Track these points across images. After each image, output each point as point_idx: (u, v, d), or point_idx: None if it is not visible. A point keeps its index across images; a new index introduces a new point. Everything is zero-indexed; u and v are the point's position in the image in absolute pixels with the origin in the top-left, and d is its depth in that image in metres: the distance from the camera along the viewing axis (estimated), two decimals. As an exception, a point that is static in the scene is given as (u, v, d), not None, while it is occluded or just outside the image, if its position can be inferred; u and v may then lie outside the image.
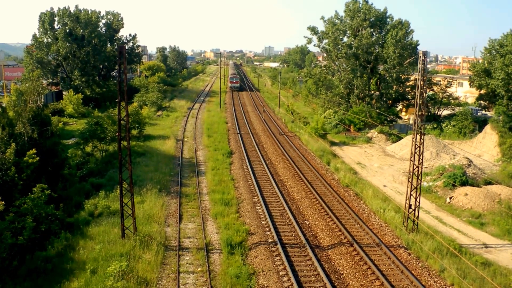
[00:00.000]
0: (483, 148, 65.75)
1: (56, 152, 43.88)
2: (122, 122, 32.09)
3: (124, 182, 33.78)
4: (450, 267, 30.13)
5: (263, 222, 38.15)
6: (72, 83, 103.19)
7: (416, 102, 35.60)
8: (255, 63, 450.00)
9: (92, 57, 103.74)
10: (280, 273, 29.65)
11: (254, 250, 33.03)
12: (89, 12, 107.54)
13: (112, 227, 34.36)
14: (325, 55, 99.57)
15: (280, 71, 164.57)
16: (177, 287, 27.44)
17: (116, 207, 37.26)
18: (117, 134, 32.20)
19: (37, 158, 37.19)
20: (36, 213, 31.71)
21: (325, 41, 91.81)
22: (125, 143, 32.67)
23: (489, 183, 49.59)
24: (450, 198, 46.19)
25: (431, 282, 29.65)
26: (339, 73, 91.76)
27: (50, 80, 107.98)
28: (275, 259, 31.56)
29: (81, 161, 53.54)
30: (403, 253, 33.65)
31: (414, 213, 36.92)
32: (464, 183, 48.41)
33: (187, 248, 33.04)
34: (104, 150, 59.22)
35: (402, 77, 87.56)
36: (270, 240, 34.42)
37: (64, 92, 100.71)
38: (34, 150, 37.53)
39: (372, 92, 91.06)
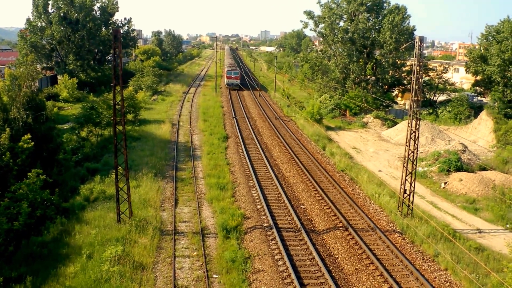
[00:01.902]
0: (478, 134, 65.89)
1: (51, 137, 43.71)
2: (117, 106, 32.00)
3: (120, 167, 33.75)
4: (444, 252, 30.30)
5: (258, 207, 38.25)
6: (67, 67, 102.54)
7: (412, 87, 35.59)
8: (251, 47, 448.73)
9: (86, 41, 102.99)
10: (276, 257, 29.79)
11: (249, 234, 33.16)
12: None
13: (108, 212, 34.39)
14: (321, 39, 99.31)
15: (276, 55, 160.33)
16: (173, 271, 27.54)
17: (111, 191, 37.26)
18: (112, 118, 32.15)
19: (32, 143, 37.06)
20: (31, 198, 31.67)
21: (322, 25, 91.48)
22: (120, 127, 32.60)
23: (483, 169, 49.74)
24: (445, 183, 46.35)
25: (425, 266, 29.85)
26: (335, 58, 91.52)
27: (45, 65, 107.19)
28: (271, 243, 31.69)
29: (76, 146, 53.38)
30: (397, 237, 33.84)
31: (409, 198, 37.07)
32: (459, 169, 48.57)
33: (183, 233, 33.12)
34: (99, 135, 59.10)
35: (398, 62, 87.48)
36: (265, 224, 34.55)
37: (58, 77, 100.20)
38: (29, 135, 37.39)
39: (368, 77, 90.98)
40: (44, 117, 44.01)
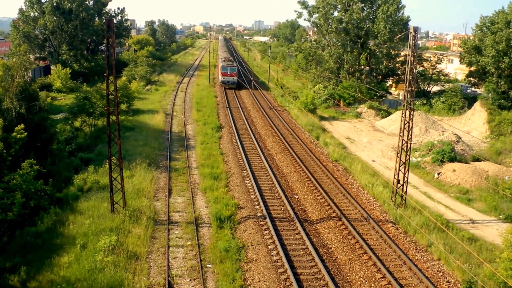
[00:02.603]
0: (472, 125, 66.07)
1: (44, 127, 43.55)
2: (110, 96, 31.90)
3: (113, 157, 33.71)
4: (437, 242, 30.47)
5: (252, 196, 38.31)
6: (60, 57, 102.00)
7: (406, 78, 35.62)
8: (245, 37, 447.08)
9: (80, 31, 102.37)
10: (269, 246, 29.89)
11: (243, 224, 33.23)
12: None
13: (102, 202, 34.36)
14: (315, 29, 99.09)
15: (270, 45, 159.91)
16: (167, 261, 27.60)
17: (105, 181, 37.22)
18: (105, 108, 32.04)
19: (25, 133, 36.92)
20: (25, 188, 31.59)
21: (316, 15, 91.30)
22: (114, 117, 32.52)
23: (477, 159, 49.92)
24: (438, 174, 46.52)
25: (418, 256, 30.00)
26: (329, 48, 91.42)
27: (38, 55, 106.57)
28: (264, 233, 31.78)
29: (70, 136, 53.20)
30: (391, 227, 33.98)
31: (402, 188, 37.20)
32: (452, 159, 48.72)
33: (177, 222, 33.17)
34: (93, 125, 58.95)
35: (393, 53, 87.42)
36: (259, 214, 34.62)
37: (52, 67, 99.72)
38: (22, 126, 37.23)
39: (362, 67, 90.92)
40: (38, 107, 43.82)
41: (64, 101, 75.36)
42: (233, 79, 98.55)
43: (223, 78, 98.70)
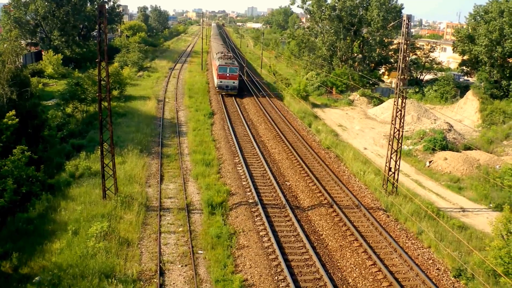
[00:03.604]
0: (464, 113, 66.27)
1: (36, 113, 43.32)
2: (102, 82, 31.74)
3: (105, 143, 33.64)
4: (428, 229, 30.67)
5: (244, 183, 38.37)
6: (52, 43, 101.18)
7: (399, 66, 35.64)
8: (237, 23, 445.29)
9: (71, 16, 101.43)
10: (261, 233, 29.99)
11: (235, 210, 33.30)
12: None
13: (93, 188, 34.33)
14: (308, 16, 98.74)
15: (262, 32, 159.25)
16: (158, 247, 27.66)
17: (97, 168, 37.15)
18: (97, 94, 31.90)
19: (17, 119, 36.71)
20: (16, 175, 31.47)
21: (309, 2, 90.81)
22: (105, 103, 32.41)
23: (468, 148, 50.15)
24: (430, 162, 46.70)
25: (408, 244, 30.20)
26: (322, 35, 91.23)
27: (29, 41, 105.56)
28: (256, 219, 31.87)
29: (62, 122, 52.94)
30: (382, 215, 34.15)
31: (394, 176, 37.35)
32: (444, 148, 48.94)
33: (168, 209, 33.22)
34: (84, 111, 58.69)
35: (386, 41, 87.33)
36: (250, 201, 34.70)
37: (43, 53, 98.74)
38: (13, 112, 37.00)
39: (355, 55, 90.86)
40: (29, 93, 43.56)
41: (56, 87, 74.92)
42: (233, 83, 74.56)
43: (220, 82, 74.61)
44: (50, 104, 61.36)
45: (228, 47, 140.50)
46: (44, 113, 47.37)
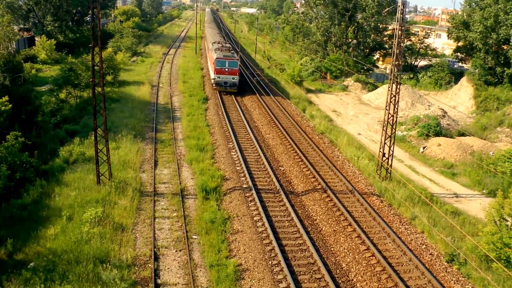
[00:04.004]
0: (458, 100, 66.36)
1: (29, 99, 43.19)
2: (96, 68, 31.63)
3: (99, 129, 33.57)
4: (421, 215, 30.82)
5: (238, 168, 38.41)
6: (45, 28, 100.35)
7: (393, 51, 35.61)
8: (232, 9, 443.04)
9: (64, 1, 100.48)
10: (255, 218, 30.08)
11: (229, 195, 33.38)
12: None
13: (87, 174, 34.30)
14: (303, 1, 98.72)
15: (257, 17, 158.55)
16: (153, 232, 27.72)
17: (91, 153, 37.08)
18: (91, 80, 31.78)
19: (10, 105, 36.58)
20: (10, 161, 31.42)
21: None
22: (99, 89, 32.30)
23: (462, 134, 50.29)
24: (424, 148, 46.83)
25: (402, 229, 30.36)
26: (316, 21, 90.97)
27: (22, 26, 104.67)
28: (250, 204, 31.95)
29: (55, 108, 52.79)
30: (375, 200, 34.29)
31: (388, 162, 37.45)
32: (438, 134, 49.06)
33: (162, 194, 33.25)
34: (78, 97, 58.47)
35: (380, 26, 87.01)
36: (244, 186, 34.76)
37: (36, 38, 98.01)
38: (6, 98, 36.85)
39: (350, 40, 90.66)
40: (22, 79, 43.43)
41: (49, 72, 74.46)
42: (233, 79, 65.02)
43: (218, 78, 64.99)
44: (43, 89, 61.12)
45: (222, 31, 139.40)
46: (38, 98, 47.25)
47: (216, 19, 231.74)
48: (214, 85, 65.45)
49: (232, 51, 71.05)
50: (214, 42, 79.58)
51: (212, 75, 67.18)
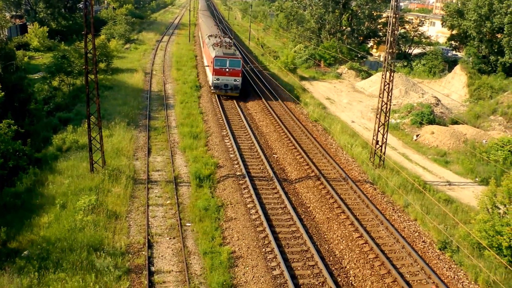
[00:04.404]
0: (452, 88, 66.44)
1: (22, 87, 42.96)
2: (89, 55, 31.48)
3: (92, 116, 33.46)
4: (414, 202, 30.95)
5: (231, 155, 38.42)
6: (37, 15, 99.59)
7: (388, 39, 35.57)
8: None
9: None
10: (248, 205, 30.15)
11: (222, 183, 33.41)
12: None
13: (81, 162, 34.26)
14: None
15: (251, 4, 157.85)
16: (147, 220, 27.75)
17: (84, 141, 37.02)
18: (84, 67, 31.65)
19: (2, 93, 36.37)
20: (3, 149, 31.26)
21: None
22: (92, 76, 32.17)
23: (455, 122, 50.41)
24: (417, 135, 46.95)
25: (395, 216, 30.49)
26: (310, 8, 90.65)
27: (14, 13, 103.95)
28: (243, 192, 32.01)
29: (48, 95, 52.61)
30: (369, 188, 34.39)
31: (381, 149, 37.54)
32: (431, 122, 49.17)
33: (156, 181, 33.25)
34: (71, 84, 58.23)
35: (374, 14, 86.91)
36: (238, 173, 34.79)
37: (28, 25, 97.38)
38: (-1, 86, 36.72)
39: (344, 28, 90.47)
40: (14, 66, 43.21)
41: (42, 60, 74.11)
42: (234, 81, 55.60)
43: (217, 80, 55.47)
44: (36, 77, 60.86)
45: (216, 18, 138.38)
46: (30, 86, 47.04)
47: (210, 6, 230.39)
48: (212, 88, 56.34)
49: (234, 48, 62.10)
50: (211, 36, 70.33)
51: (210, 76, 57.68)
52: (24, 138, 35.11)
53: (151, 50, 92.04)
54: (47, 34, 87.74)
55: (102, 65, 66.24)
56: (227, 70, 54.79)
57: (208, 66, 61.95)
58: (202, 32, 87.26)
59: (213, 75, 55.36)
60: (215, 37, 68.50)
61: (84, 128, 39.89)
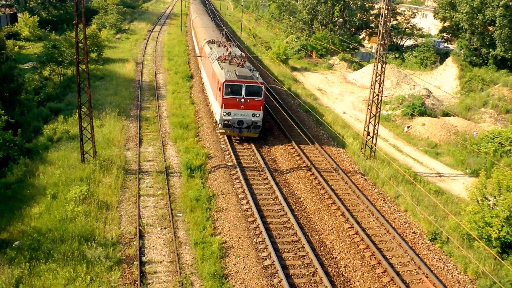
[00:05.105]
0: (443, 80, 66.59)
1: (12, 76, 42.72)
2: (80, 45, 31.34)
3: (83, 106, 33.30)
4: (405, 194, 31.06)
5: (222, 146, 38.41)
6: (27, 5, 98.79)
7: (380, 31, 35.58)
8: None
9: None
10: (239, 196, 30.21)
11: (213, 173, 33.42)
12: None
13: (72, 152, 34.18)
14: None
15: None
16: (138, 210, 27.74)
17: (75, 131, 36.91)
18: (75, 57, 31.51)
19: (-8, 83, 36.29)
20: (-7, 139, 31.22)
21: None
22: (83, 66, 32.00)
23: (446, 114, 50.58)
24: (408, 127, 47.09)
25: (385, 207, 30.63)
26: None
27: (3, 2, 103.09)
28: (235, 182, 32.05)
29: (39, 85, 52.36)
30: (359, 179, 34.50)
31: (372, 140, 37.63)
32: (422, 113, 49.29)
33: (147, 172, 33.22)
34: (62, 74, 57.95)
35: (367, 5, 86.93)
36: (229, 164, 34.81)
37: (19, 15, 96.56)
38: (-12, 76, 36.52)
39: (336, 19, 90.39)
40: (4, 56, 42.90)
41: (32, 50, 73.63)
42: (254, 116, 38.89)
43: (227, 115, 38.74)
44: (26, 67, 60.50)
45: (208, 9, 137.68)
46: (21, 76, 46.82)
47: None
48: (220, 126, 39.00)
49: (249, 65, 42.94)
50: (211, 42, 53.68)
51: (216, 109, 40.24)
52: (15, 128, 34.96)
53: (143, 40, 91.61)
54: (37, 23, 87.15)
55: (93, 55, 65.97)
56: (242, 101, 37.91)
57: (211, 90, 44.32)
58: (197, 34, 69.93)
59: (221, 107, 37.99)
60: (218, 45, 51.29)
61: (75, 118, 39.72)
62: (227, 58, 43.01)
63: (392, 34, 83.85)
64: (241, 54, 46.81)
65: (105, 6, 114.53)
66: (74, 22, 30.53)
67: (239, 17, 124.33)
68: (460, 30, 73.82)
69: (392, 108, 51.66)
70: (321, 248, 25.71)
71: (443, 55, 77.78)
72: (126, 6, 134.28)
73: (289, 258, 24.34)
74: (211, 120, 44.18)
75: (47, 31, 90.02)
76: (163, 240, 25.34)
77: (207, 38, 57.54)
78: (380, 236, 27.05)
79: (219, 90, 38.21)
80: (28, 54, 69.76)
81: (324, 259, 24.73)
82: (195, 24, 79.88)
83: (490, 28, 68.43)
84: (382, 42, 35.66)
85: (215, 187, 31.51)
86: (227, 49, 47.36)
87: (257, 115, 38.45)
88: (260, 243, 25.35)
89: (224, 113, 38.16)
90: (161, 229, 26.38)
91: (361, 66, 74.60)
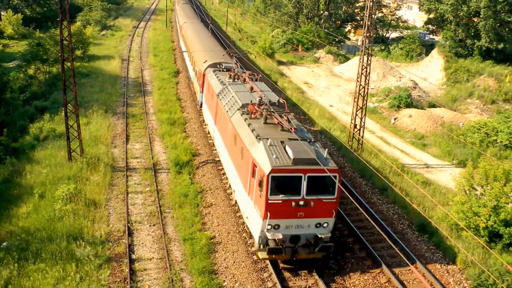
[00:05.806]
0: (429, 71, 66.91)
1: (-4, 76, 42.53)
2: (65, 42, 31.15)
3: (69, 104, 33.14)
4: (393, 185, 31.19)
5: (210, 142, 38.34)
6: (10, 2, 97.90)
7: (365, 23, 35.68)
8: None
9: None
10: (228, 191, 30.15)
11: (201, 169, 33.37)
12: None
13: (59, 150, 34.03)
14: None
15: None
16: (126, 208, 27.67)
17: (61, 129, 36.69)
18: (60, 55, 31.31)
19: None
20: (-21, 139, 31.04)
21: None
22: (68, 64, 31.83)
23: (433, 105, 50.87)
24: (395, 119, 47.30)
25: (374, 199, 30.72)
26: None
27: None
28: (223, 177, 31.98)
29: (24, 84, 52.08)
30: (347, 171, 34.56)
31: (359, 133, 37.77)
32: (408, 105, 49.54)
33: (135, 169, 33.13)
34: (47, 72, 57.65)
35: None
36: (217, 159, 34.72)
37: (2, 13, 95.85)
38: (-28, 75, 36.25)
39: (321, 12, 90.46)
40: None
41: (17, 48, 73.20)
42: (318, 227, 22.08)
43: (275, 228, 21.48)
44: (11, 65, 60.08)
45: (193, 4, 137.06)
46: (5, 75, 46.46)
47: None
48: (257, 245, 22.42)
49: (298, 124, 26.65)
50: (218, 69, 37.66)
51: (250, 211, 23.03)
52: (0, 128, 34.84)
53: (128, 37, 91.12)
54: (21, 21, 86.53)
55: (78, 52, 65.56)
56: (301, 204, 21.35)
57: (228, 156, 28.48)
58: (190, 46, 54.20)
59: (264, 217, 21.30)
60: (233, 77, 33.92)
61: (61, 116, 39.55)
62: (258, 109, 26.09)
63: (377, 26, 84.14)
64: (278, 101, 29.01)
65: (89, 3, 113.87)
66: (58, 19, 30.29)
67: (225, 11, 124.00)
68: (445, 21, 74.19)
69: (378, 101, 51.86)
70: (311, 242, 25.66)
71: (428, 47, 78.13)
72: (110, 3, 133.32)
73: (279, 252, 24.27)
74: (197, 116, 44.09)
75: (31, 29, 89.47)
76: (152, 237, 25.30)
77: (208, 60, 40.80)
78: (369, 229, 27.04)
79: (258, 183, 21.49)
80: (12, 53, 69.33)
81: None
82: (185, 32, 62.81)
83: (475, 19, 68.87)
84: (367, 34, 35.77)
85: (203, 182, 31.47)
86: (252, 89, 30.79)
87: (325, 225, 22.41)
88: (250, 237, 25.32)
89: (269, 227, 21.58)
90: (150, 226, 26.34)
91: (347, 59, 74.80)
